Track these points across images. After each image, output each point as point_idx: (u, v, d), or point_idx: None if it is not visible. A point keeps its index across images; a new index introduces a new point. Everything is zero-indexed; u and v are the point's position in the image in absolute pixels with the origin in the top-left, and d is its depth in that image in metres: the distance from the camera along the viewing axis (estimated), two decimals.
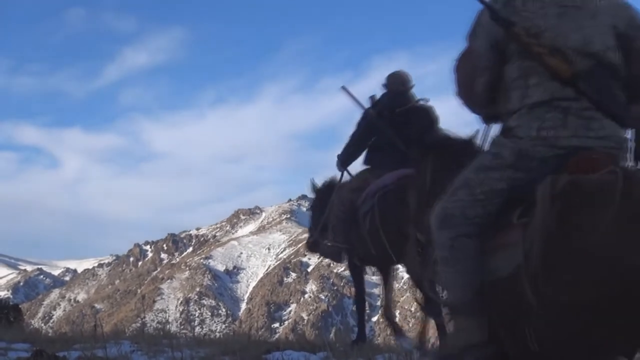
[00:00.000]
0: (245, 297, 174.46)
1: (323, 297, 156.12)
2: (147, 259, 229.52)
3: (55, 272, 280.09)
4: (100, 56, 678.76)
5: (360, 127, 8.33)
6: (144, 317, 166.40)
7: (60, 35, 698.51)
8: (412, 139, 7.57)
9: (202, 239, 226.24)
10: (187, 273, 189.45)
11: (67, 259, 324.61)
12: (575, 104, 3.42)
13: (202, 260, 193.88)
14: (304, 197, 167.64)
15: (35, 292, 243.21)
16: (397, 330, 8.48)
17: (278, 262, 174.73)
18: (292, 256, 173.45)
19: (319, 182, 9.30)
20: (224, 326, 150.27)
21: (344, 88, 8.56)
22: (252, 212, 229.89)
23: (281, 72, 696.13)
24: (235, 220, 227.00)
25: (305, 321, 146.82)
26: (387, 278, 8.63)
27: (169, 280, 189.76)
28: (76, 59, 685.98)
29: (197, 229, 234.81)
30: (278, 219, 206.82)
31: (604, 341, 2.97)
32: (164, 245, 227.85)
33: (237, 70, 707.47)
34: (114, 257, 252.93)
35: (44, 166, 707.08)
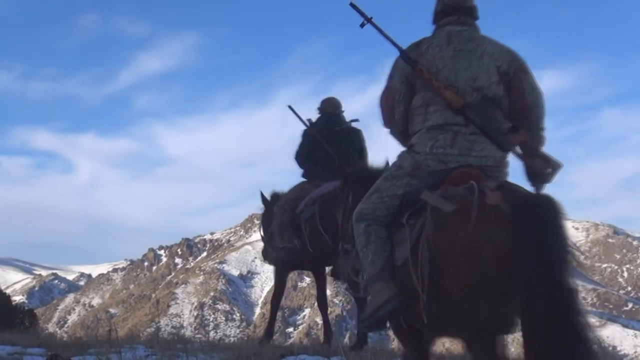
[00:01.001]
0: (260, 301, 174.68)
1: (337, 302, 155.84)
2: (161, 263, 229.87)
3: (70, 277, 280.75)
4: (114, 61, 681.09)
5: (303, 144, 9.30)
6: (159, 322, 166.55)
7: (73, 40, 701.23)
8: (346, 155, 8.72)
9: (216, 243, 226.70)
10: (201, 278, 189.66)
11: (81, 263, 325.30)
12: (464, 129, 4.42)
13: (216, 265, 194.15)
14: None
15: (50, 296, 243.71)
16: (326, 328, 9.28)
17: None
18: None
19: (268, 196, 9.90)
20: (238, 331, 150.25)
21: (290, 107, 9.41)
22: None
23: (294, 77, 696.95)
24: (249, 225, 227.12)
25: (320, 326, 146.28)
26: (320, 279, 9.43)
27: (183, 285, 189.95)
28: (90, 64, 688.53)
29: (212, 234, 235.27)
30: None
31: (470, 316, 3.85)
32: (178, 250, 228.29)
33: (250, 75, 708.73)
34: (129, 262, 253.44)
35: (59, 171, 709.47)
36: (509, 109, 4.58)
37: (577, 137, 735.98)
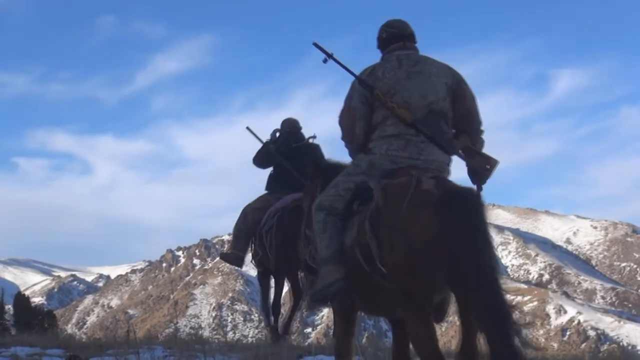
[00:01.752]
0: None
1: None
2: (179, 264, 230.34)
3: (89, 278, 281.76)
4: (131, 63, 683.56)
5: (258, 156, 10.08)
6: (177, 323, 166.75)
7: (90, 42, 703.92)
8: (303, 169, 9.09)
9: None
10: (219, 278, 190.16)
11: (100, 265, 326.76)
12: (415, 137, 5.15)
13: (234, 266, 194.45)
14: None
15: (69, 298, 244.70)
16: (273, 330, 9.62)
17: None
18: None
19: None
20: (256, 331, 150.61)
21: (248, 128, 10.35)
22: None
23: (310, 78, 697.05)
24: None
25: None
26: (278, 286, 10.05)
27: (201, 286, 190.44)
28: (107, 66, 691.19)
29: (229, 234, 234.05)
30: None
31: (408, 286, 4.49)
32: (197, 251, 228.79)
33: (266, 76, 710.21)
34: (147, 263, 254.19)
35: (77, 173, 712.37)
36: (455, 116, 5.36)
37: (595, 135, 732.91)
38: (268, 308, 9.88)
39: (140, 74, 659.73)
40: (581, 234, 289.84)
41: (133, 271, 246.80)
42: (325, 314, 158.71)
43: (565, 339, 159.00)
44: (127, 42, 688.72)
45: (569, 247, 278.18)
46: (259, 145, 10.10)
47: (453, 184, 4.82)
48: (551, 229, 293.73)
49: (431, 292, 4.54)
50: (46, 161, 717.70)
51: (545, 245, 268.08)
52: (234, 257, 10.03)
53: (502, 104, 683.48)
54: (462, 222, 4.37)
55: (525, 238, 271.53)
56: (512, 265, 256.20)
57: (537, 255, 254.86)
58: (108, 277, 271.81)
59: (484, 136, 5.48)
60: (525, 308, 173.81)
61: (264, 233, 9.42)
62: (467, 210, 4.44)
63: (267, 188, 10.03)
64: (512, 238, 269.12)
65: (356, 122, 5.38)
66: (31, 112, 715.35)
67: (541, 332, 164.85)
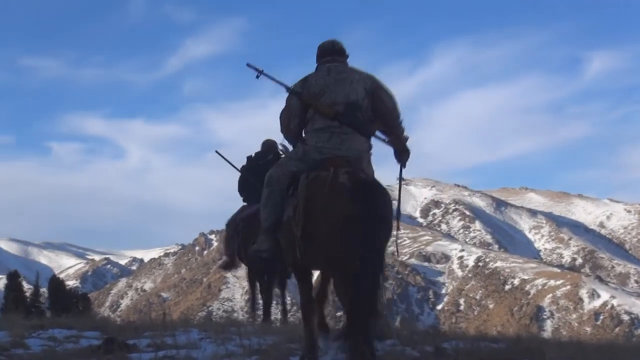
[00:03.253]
0: None
1: (388, 285, 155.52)
2: (212, 247, 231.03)
3: (123, 262, 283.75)
4: (162, 47, 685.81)
5: (240, 179, 12.17)
6: (210, 306, 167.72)
7: (122, 27, 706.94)
8: None
9: None
10: None
11: (133, 248, 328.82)
12: (339, 130, 6.43)
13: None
14: None
15: (103, 281, 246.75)
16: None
17: None
18: None
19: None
20: (288, 315, 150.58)
21: (217, 152, 12.32)
22: None
23: None
24: None
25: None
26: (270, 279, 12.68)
27: (234, 269, 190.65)
28: (138, 50, 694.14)
29: None
30: None
31: (332, 255, 5.83)
32: None
33: (297, 59, 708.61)
34: (180, 247, 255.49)
35: (110, 156, 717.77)
36: (378, 113, 6.63)
37: (630, 118, 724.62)
38: (254, 304, 13.14)
39: (172, 57, 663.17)
40: (615, 217, 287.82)
41: (166, 255, 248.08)
42: None
43: (598, 323, 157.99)
44: (158, 27, 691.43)
45: (602, 231, 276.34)
46: (229, 167, 12.23)
47: (362, 176, 6.13)
48: (584, 212, 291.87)
49: (344, 260, 5.77)
50: (79, 145, 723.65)
51: (579, 229, 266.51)
52: (230, 262, 12.54)
53: (534, 86, 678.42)
54: (364, 206, 5.77)
55: (559, 222, 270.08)
56: (545, 249, 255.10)
57: (570, 239, 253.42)
58: (141, 260, 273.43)
59: (403, 125, 6.74)
60: (558, 292, 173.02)
61: (234, 238, 11.74)
62: (370, 197, 5.85)
63: (244, 200, 12.13)
64: (545, 222, 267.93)
65: (292, 118, 6.68)
66: (64, 96, 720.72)
67: (574, 316, 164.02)
